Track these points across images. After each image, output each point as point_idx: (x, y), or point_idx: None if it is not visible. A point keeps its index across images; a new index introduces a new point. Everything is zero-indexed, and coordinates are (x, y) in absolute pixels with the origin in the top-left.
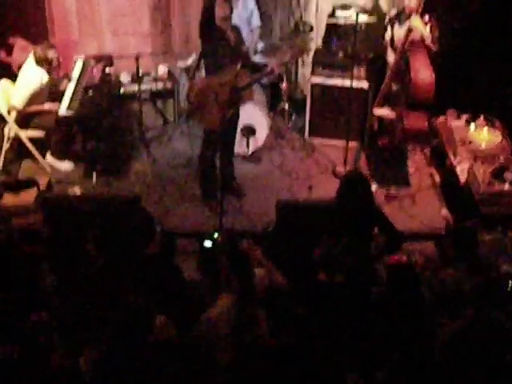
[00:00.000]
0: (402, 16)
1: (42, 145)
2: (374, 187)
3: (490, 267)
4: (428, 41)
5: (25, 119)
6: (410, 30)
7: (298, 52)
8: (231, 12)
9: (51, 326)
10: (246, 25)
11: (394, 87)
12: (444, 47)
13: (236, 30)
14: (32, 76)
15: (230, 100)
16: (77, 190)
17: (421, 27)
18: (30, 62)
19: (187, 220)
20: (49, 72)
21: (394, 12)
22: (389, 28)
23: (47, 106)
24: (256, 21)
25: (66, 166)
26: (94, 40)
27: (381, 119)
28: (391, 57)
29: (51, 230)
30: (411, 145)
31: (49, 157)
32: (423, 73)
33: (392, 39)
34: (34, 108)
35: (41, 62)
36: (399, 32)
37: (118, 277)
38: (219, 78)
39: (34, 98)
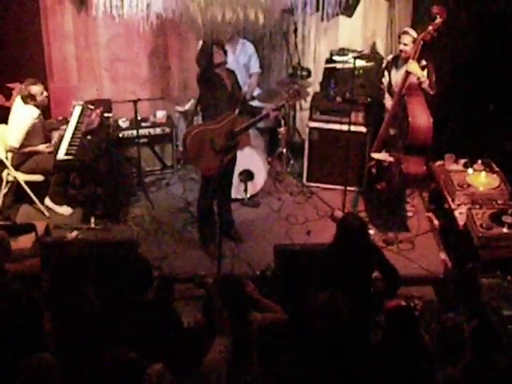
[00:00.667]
0: (398, 61)
1: (40, 189)
2: (372, 232)
3: (489, 311)
4: (425, 85)
5: (22, 162)
6: (407, 74)
7: (294, 96)
8: (225, 58)
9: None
10: (243, 70)
11: (392, 132)
12: (441, 91)
13: (233, 75)
14: (20, 114)
15: (226, 145)
16: (75, 235)
17: (418, 71)
18: (17, 100)
19: (185, 265)
20: (37, 107)
21: (390, 57)
22: (386, 73)
23: (41, 147)
24: (255, 66)
25: (64, 210)
26: (92, 85)
27: (379, 164)
28: (388, 101)
29: (49, 274)
30: (409, 189)
31: (47, 201)
32: (421, 117)
33: (390, 84)
34: (30, 149)
35: (25, 98)
36: (396, 76)
37: (115, 325)
38: (215, 124)
39: (30, 137)
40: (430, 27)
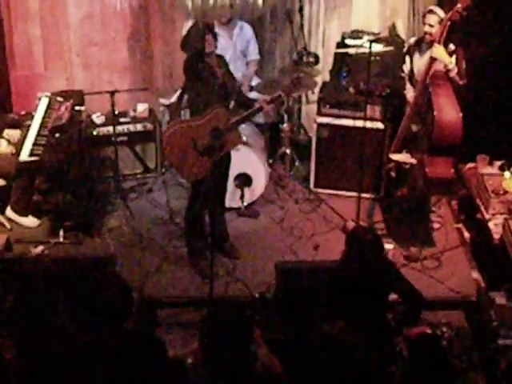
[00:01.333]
0: (422, 44)
1: None
2: (391, 246)
3: None
4: (453, 73)
5: None
6: (432, 61)
7: (293, 86)
8: (216, 43)
9: None
10: (241, 57)
11: (414, 128)
12: (473, 81)
13: (224, 63)
14: None
15: (210, 146)
16: (40, 250)
17: (445, 57)
18: None
19: (171, 286)
20: None
21: (413, 40)
22: (407, 59)
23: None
24: (253, 53)
25: (29, 221)
26: (61, 74)
27: (399, 166)
28: (410, 93)
29: (11, 297)
30: (435, 196)
31: (9, 211)
32: (448, 111)
33: (411, 72)
34: None
35: None
36: (419, 63)
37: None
38: (199, 120)
39: None
40: (459, 5)
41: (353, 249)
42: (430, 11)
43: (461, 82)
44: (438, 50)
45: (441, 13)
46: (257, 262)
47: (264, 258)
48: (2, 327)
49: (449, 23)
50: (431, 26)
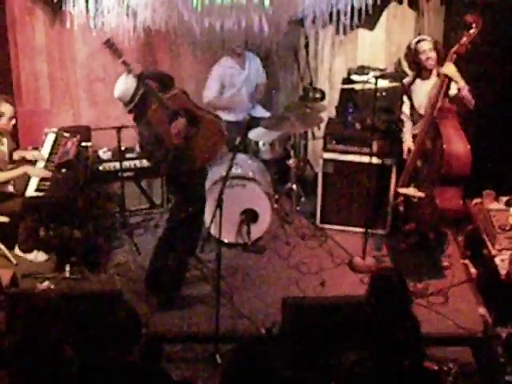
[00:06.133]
0: (422, 73)
1: (5, 232)
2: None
3: None
4: (465, 91)
5: None
6: (444, 78)
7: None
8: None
9: None
10: (253, 87)
11: (419, 163)
12: (476, 114)
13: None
14: None
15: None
16: (46, 286)
17: (456, 75)
18: None
19: (177, 321)
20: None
21: (407, 80)
22: (405, 99)
23: (8, 174)
24: (262, 76)
25: (37, 256)
26: (68, 109)
27: (407, 200)
28: (409, 134)
29: (17, 332)
30: (445, 229)
31: (17, 250)
32: (457, 142)
33: (412, 108)
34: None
35: None
36: (421, 96)
37: None
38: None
39: None
40: (465, 38)
41: (380, 289)
42: (420, 41)
43: (470, 106)
44: (450, 67)
45: (429, 38)
46: (263, 298)
47: (270, 294)
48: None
49: (454, 56)
50: (430, 49)
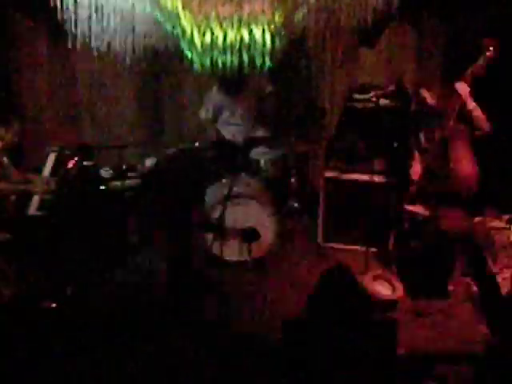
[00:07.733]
0: (426, 119)
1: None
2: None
3: None
4: (478, 112)
5: None
6: (457, 98)
7: None
8: None
9: None
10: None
11: (426, 182)
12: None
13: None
14: None
15: None
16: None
17: (467, 96)
18: None
19: None
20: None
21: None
22: (421, 136)
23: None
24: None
25: None
26: (69, 128)
27: (412, 218)
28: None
29: None
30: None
31: None
32: (465, 163)
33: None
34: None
35: None
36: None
37: None
38: None
39: None
40: (481, 61)
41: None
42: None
43: (485, 126)
44: (463, 87)
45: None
46: (263, 318)
47: (270, 314)
48: None
49: (470, 77)
50: (429, 94)
